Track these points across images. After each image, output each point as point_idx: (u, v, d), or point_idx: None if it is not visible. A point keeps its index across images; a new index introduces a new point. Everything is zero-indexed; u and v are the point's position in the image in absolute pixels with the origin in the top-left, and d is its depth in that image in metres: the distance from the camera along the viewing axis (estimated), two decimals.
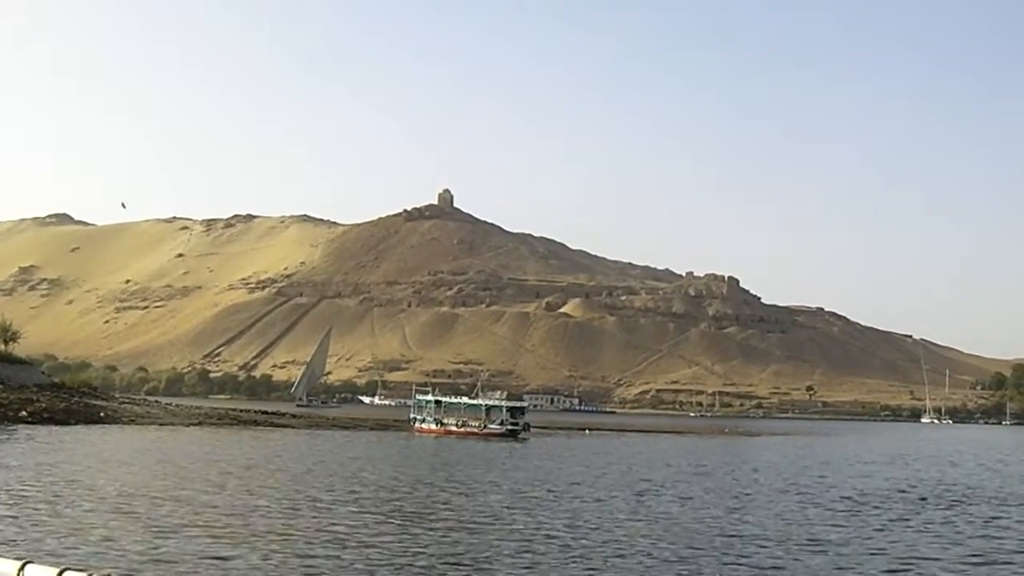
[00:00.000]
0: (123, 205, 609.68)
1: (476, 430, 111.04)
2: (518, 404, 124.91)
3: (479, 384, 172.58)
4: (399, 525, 36.04)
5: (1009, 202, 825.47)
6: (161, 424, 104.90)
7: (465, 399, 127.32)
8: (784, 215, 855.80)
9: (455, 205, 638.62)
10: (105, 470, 50.75)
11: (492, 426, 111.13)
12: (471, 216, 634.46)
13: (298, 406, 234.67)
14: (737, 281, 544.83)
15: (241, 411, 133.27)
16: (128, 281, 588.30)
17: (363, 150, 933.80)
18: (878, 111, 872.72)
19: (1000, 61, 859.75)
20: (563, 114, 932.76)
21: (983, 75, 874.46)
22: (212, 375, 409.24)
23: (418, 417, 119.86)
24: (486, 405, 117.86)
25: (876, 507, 48.57)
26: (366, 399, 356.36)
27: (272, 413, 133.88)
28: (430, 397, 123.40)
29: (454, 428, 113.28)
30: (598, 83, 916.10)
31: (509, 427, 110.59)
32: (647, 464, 75.95)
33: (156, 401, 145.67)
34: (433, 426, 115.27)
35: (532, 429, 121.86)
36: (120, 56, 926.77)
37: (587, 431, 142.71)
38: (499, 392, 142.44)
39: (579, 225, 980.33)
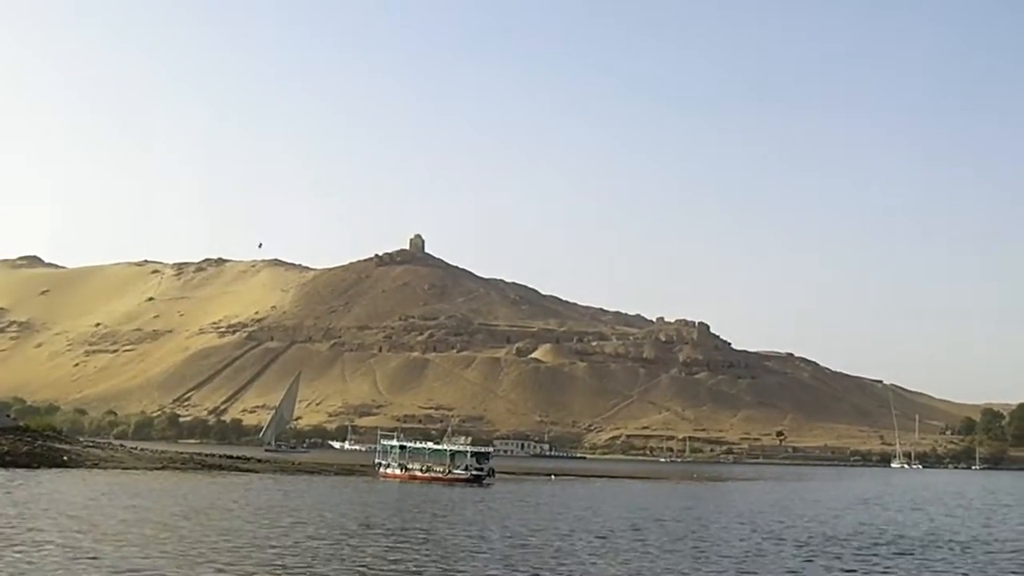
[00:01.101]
0: (259, 245, 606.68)
1: (441, 475, 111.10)
2: (483, 450, 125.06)
3: (449, 429, 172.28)
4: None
5: (980, 248, 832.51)
6: (124, 468, 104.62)
7: (430, 444, 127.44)
8: (754, 261, 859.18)
9: (426, 250, 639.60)
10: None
11: (457, 471, 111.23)
12: (442, 261, 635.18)
13: (266, 451, 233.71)
14: (708, 327, 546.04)
15: (206, 456, 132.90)
16: (98, 324, 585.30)
17: (334, 195, 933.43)
18: (849, 158, 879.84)
19: (989, 104, 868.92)
20: (535, 160, 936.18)
21: (956, 118, 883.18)
22: (182, 419, 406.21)
23: (383, 462, 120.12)
24: (451, 450, 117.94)
25: (828, 551, 48.97)
26: (336, 444, 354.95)
27: (237, 458, 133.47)
28: (395, 442, 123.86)
29: (419, 473, 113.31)
30: (570, 128, 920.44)
31: (473, 472, 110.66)
32: (606, 509, 76.18)
33: (121, 445, 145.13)
34: (398, 471, 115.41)
35: (497, 475, 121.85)
36: (92, 99, 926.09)
37: (552, 477, 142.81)
38: (463, 437, 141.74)
39: (550, 271, 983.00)
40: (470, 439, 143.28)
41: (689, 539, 53.34)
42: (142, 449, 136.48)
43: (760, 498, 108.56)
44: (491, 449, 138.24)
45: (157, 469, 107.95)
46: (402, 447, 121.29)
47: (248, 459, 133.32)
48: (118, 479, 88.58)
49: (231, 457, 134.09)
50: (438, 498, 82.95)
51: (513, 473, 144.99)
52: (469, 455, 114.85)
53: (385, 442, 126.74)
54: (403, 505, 73.46)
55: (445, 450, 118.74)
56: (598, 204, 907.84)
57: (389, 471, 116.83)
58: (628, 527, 59.27)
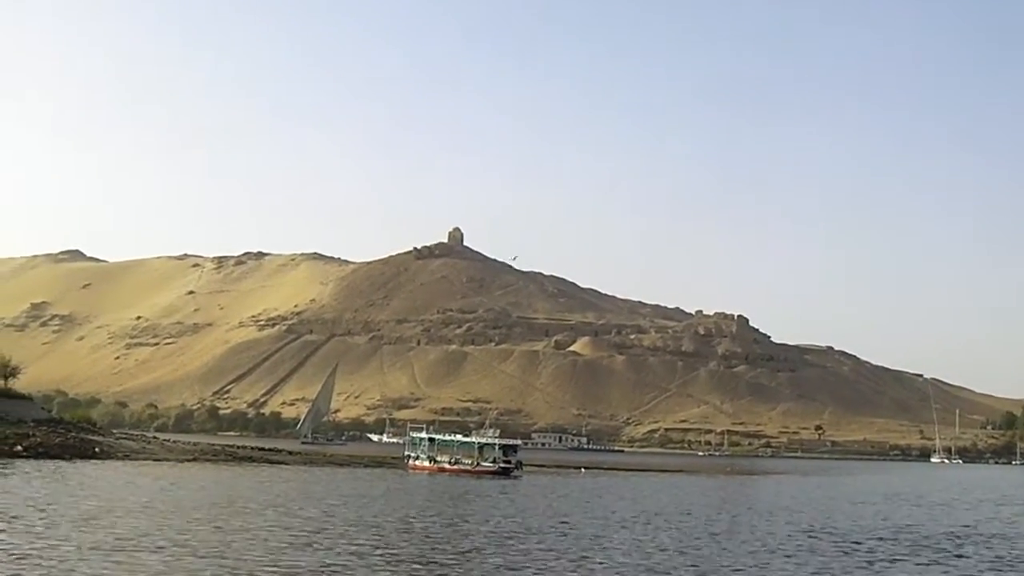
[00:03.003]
0: (514, 258, 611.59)
1: (469, 467, 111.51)
2: (511, 442, 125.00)
3: (487, 423, 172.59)
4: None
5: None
6: (156, 460, 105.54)
7: (459, 437, 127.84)
8: (794, 254, 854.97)
9: (465, 243, 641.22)
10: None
11: (485, 463, 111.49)
12: (481, 254, 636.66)
13: (303, 443, 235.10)
14: (747, 320, 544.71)
15: (238, 448, 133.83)
16: (139, 318, 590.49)
17: (373, 188, 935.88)
18: (883, 141, 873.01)
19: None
20: (574, 153, 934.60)
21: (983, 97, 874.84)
22: (222, 412, 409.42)
23: (412, 454, 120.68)
24: (479, 443, 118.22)
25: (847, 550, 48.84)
26: (374, 437, 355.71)
27: (268, 450, 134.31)
28: (424, 435, 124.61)
29: (447, 466, 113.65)
30: (609, 120, 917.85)
31: (501, 465, 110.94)
32: (630, 503, 76.37)
33: (155, 437, 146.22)
34: (427, 463, 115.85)
35: (525, 467, 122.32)
36: (133, 92, 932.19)
37: (582, 470, 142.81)
38: (492, 430, 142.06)
39: (589, 264, 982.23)
40: (499, 432, 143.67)
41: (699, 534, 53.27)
42: (175, 441, 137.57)
43: (785, 493, 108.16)
44: (519, 442, 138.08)
45: (188, 461, 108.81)
46: (431, 439, 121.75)
47: (279, 451, 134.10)
48: (138, 470, 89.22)
49: (262, 449, 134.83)
50: (469, 489, 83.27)
51: (543, 466, 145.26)
52: (497, 447, 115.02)
53: (414, 434, 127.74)
54: (432, 495, 73.93)
55: (473, 442, 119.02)
56: (637, 196, 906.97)
57: (418, 463, 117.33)
58: (629, 520, 59.04)
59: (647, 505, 74.05)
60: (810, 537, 52.74)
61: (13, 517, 44.59)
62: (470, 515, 57.26)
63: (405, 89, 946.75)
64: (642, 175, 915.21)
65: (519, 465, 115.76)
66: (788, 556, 44.10)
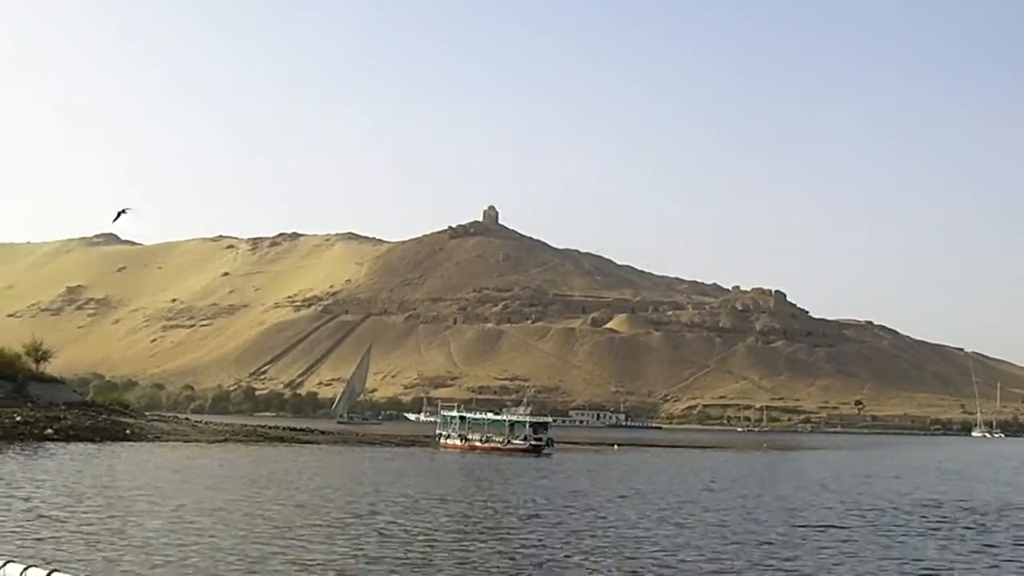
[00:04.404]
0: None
1: (500, 445, 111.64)
2: (541, 419, 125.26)
3: (525, 400, 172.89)
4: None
5: None
6: (186, 441, 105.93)
7: (489, 415, 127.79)
8: (832, 228, 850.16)
9: (500, 222, 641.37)
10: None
11: (515, 441, 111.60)
12: (516, 232, 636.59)
13: (339, 423, 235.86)
14: (784, 295, 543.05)
15: (269, 428, 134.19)
16: (174, 300, 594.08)
17: (408, 167, 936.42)
18: (924, 114, 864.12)
19: None
20: (608, 129, 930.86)
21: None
22: (258, 393, 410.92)
23: (443, 433, 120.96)
24: (509, 421, 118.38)
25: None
26: (411, 416, 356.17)
27: (299, 430, 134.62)
28: (455, 413, 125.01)
29: (478, 444, 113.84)
30: (644, 99, 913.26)
31: (532, 442, 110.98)
32: (639, 478, 76.19)
33: (186, 419, 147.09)
34: (458, 442, 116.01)
35: (558, 444, 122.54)
36: (165, 74, 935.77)
37: (616, 446, 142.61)
38: (523, 407, 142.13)
39: (625, 241, 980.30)
40: (535, 410, 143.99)
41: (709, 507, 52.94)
42: (206, 422, 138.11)
43: (819, 467, 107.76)
44: (549, 419, 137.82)
45: (219, 442, 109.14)
46: (462, 418, 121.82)
47: (312, 431, 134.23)
48: (159, 450, 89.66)
49: (294, 429, 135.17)
50: (498, 467, 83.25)
51: (576, 443, 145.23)
52: (527, 425, 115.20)
53: (445, 413, 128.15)
54: (460, 472, 73.98)
55: (504, 420, 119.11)
56: (673, 172, 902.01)
57: (449, 442, 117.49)
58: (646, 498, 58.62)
59: (668, 481, 73.79)
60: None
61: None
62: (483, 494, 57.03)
63: (439, 67, 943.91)
64: (677, 149, 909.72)
65: (550, 442, 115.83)
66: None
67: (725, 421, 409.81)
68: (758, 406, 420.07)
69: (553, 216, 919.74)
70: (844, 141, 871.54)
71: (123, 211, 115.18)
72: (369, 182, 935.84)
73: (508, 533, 39.07)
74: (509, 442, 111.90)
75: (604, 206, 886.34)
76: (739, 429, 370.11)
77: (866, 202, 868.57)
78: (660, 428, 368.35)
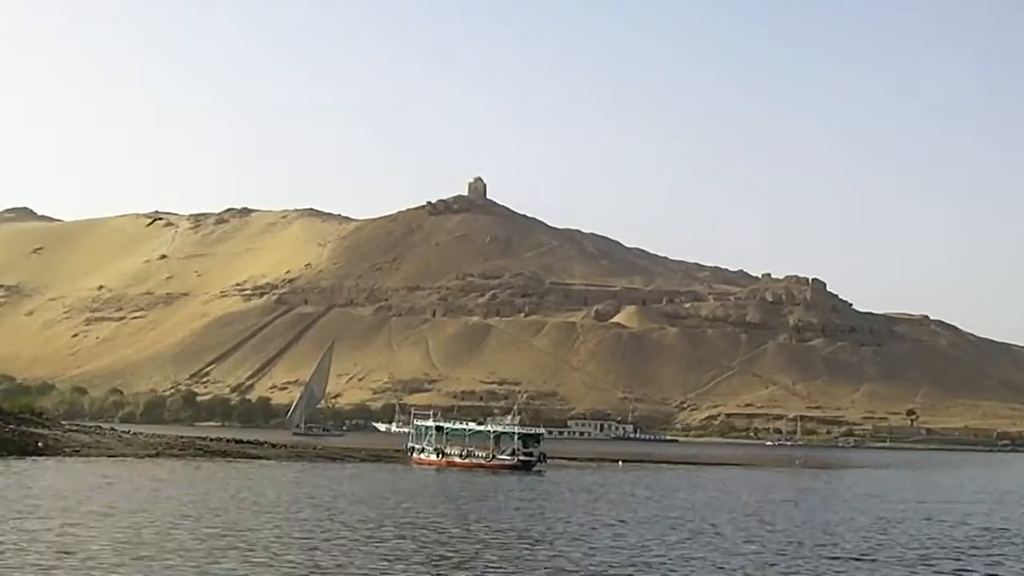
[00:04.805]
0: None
1: (483, 461, 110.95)
2: (532, 431, 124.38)
3: (516, 408, 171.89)
4: None
5: None
6: (111, 455, 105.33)
7: (471, 425, 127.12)
8: (881, 208, 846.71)
9: (488, 196, 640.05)
10: None
11: (502, 456, 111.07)
12: (507, 209, 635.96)
13: (295, 435, 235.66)
14: (824, 284, 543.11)
15: (211, 440, 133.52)
16: (101, 287, 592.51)
17: (380, 131, 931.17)
18: (993, 100, 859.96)
19: None
20: (616, 90, 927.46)
21: None
22: (200, 398, 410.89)
23: (416, 446, 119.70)
24: (495, 432, 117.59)
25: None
26: (381, 427, 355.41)
27: (247, 442, 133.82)
28: (430, 423, 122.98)
29: (457, 459, 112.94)
30: (655, 49, 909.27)
31: (521, 458, 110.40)
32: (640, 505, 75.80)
33: (112, 429, 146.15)
34: (433, 457, 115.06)
35: (553, 460, 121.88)
36: (94, 30, 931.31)
37: (620, 463, 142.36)
38: (514, 417, 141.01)
39: (635, 220, 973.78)
40: (522, 418, 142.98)
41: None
42: (135, 433, 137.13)
43: (868, 488, 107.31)
44: (542, 431, 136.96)
45: (150, 456, 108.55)
46: (439, 428, 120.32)
47: (262, 444, 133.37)
48: (76, 467, 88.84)
49: (240, 442, 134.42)
50: (480, 488, 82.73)
51: (574, 459, 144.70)
52: (516, 437, 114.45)
53: (419, 423, 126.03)
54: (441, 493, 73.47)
55: (488, 432, 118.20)
56: (692, 141, 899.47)
57: (423, 456, 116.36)
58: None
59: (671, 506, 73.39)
60: None
61: None
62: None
63: (419, 13, 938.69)
64: (695, 114, 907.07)
65: (542, 457, 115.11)
66: None
67: (752, 434, 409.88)
68: (791, 416, 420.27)
69: (551, 190, 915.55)
70: (888, 107, 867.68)
71: (157, 217, 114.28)
72: (333, 149, 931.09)
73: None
74: (494, 457, 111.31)
75: (610, 179, 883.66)
76: (768, 443, 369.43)
77: (918, 172, 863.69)
78: (676, 441, 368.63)
